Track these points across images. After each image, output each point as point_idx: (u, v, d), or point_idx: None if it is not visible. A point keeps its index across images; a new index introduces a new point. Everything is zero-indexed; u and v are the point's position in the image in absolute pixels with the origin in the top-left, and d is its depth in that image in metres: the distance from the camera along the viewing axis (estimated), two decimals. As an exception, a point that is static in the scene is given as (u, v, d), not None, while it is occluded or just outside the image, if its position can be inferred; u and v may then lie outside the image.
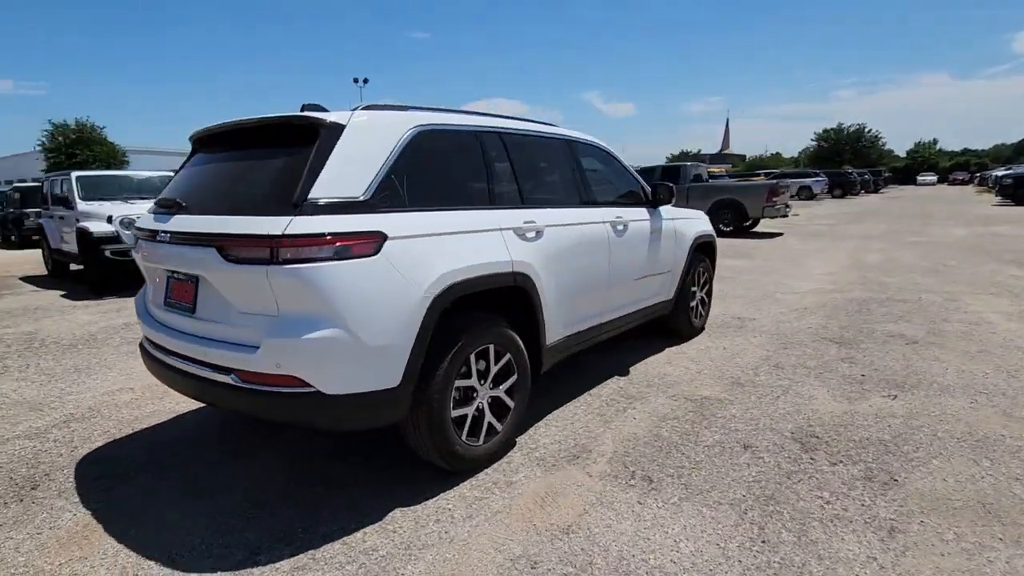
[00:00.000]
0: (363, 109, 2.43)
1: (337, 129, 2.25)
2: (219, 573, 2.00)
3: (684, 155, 74.47)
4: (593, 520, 2.27)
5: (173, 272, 2.47)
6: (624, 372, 4.00)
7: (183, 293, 2.39)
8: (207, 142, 2.70)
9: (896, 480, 2.51)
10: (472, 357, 2.55)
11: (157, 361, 2.54)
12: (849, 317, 5.38)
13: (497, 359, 2.71)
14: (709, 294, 5.09)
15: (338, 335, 2.06)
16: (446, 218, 2.46)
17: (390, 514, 2.33)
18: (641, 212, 3.95)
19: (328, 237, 2.05)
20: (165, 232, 2.37)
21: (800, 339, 4.71)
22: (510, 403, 2.81)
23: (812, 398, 3.46)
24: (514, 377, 2.82)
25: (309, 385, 2.07)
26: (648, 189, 4.12)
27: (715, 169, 31.65)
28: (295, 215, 2.05)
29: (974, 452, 2.74)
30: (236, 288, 2.15)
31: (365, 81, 46.74)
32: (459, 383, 2.51)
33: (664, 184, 4.11)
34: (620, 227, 3.63)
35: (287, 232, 2.01)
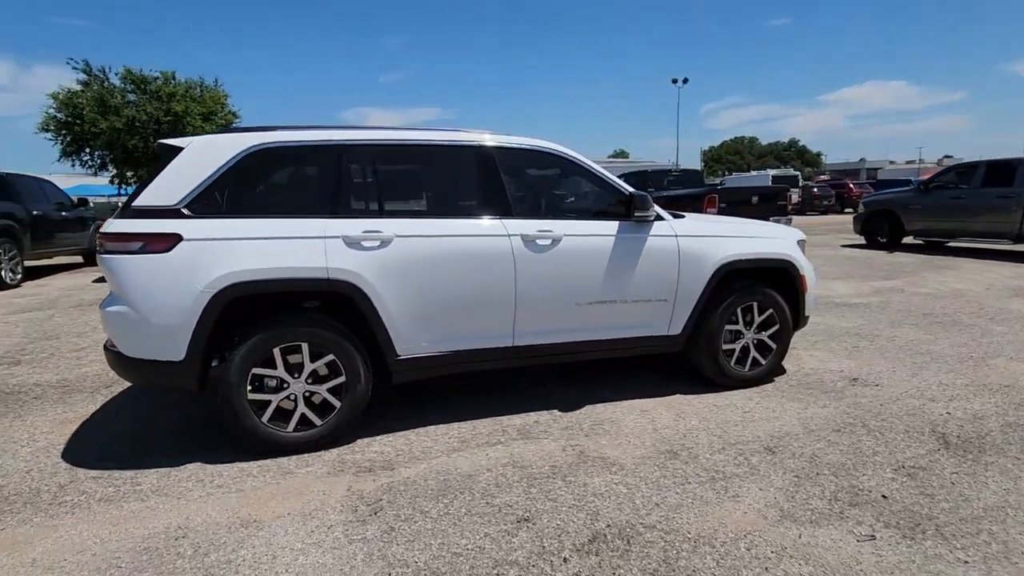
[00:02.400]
0: (217, 133, 2.95)
1: (175, 151, 2.83)
2: (67, 464, 2.86)
3: None
4: (275, 526, 2.31)
5: None
6: (570, 408, 3.48)
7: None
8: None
9: (610, 628, 1.74)
10: (277, 351, 2.82)
11: None
12: (1064, 412, 3.28)
13: (315, 358, 2.90)
14: (778, 338, 3.82)
15: (126, 311, 2.67)
16: (252, 225, 2.78)
17: (186, 466, 2.83)
18: (598, 226, 3.35)
19: (128, 235, 2.67)
20: None
21: (891, 424, 3.17)
22: (335, 402, 2.96)
23: (732, 499, 2.46)
24: (340, 379, 2.94)
25: (115, 347, 2.75)
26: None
27: None
28: (118, 218, 2.73)
29: (815, 653, 1.62)
30: None
31: (685, 81, 46.19)
32: (260, 371, 2.82)
33: (637, 194, 3.36)
34: (542, 241, 3.20)
35: (105, 230, 2.70)
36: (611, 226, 3.38)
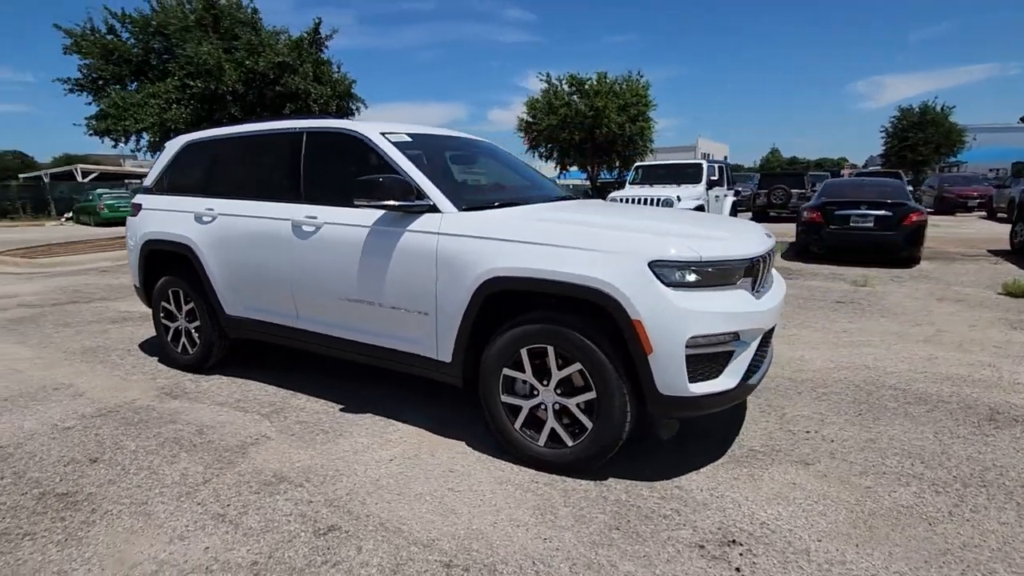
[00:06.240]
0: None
1: (165, 148, 4.17)
2: (128, 345, 4.77)
3: None
4: (62, 391, 3.43)
5: None
6: (354, 411, 3.21)
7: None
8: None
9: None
10: (169, 292, 3.90)
11: None
12: None
13: (186, 303, 3.83)
14: (596, 413, 2.33)
15: (127, 252, 4.24)
16: (166, 200, 3.87)
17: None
18: (360, 215, 2.90)
19: (132, 205, 4.21)
20: None
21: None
22: (196, 341, 3.83)
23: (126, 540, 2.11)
24: (197, 322, 3.79)
25: (134, 274, 4.40)
26: (420, 187, 2.80)
27: None
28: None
29: None
30: None
31: None
32: (165, 305, 3.96)
33: (384, 179, 2.67)
34: (307, 228, 3.08)
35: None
36: (372, 216, 2.89)
